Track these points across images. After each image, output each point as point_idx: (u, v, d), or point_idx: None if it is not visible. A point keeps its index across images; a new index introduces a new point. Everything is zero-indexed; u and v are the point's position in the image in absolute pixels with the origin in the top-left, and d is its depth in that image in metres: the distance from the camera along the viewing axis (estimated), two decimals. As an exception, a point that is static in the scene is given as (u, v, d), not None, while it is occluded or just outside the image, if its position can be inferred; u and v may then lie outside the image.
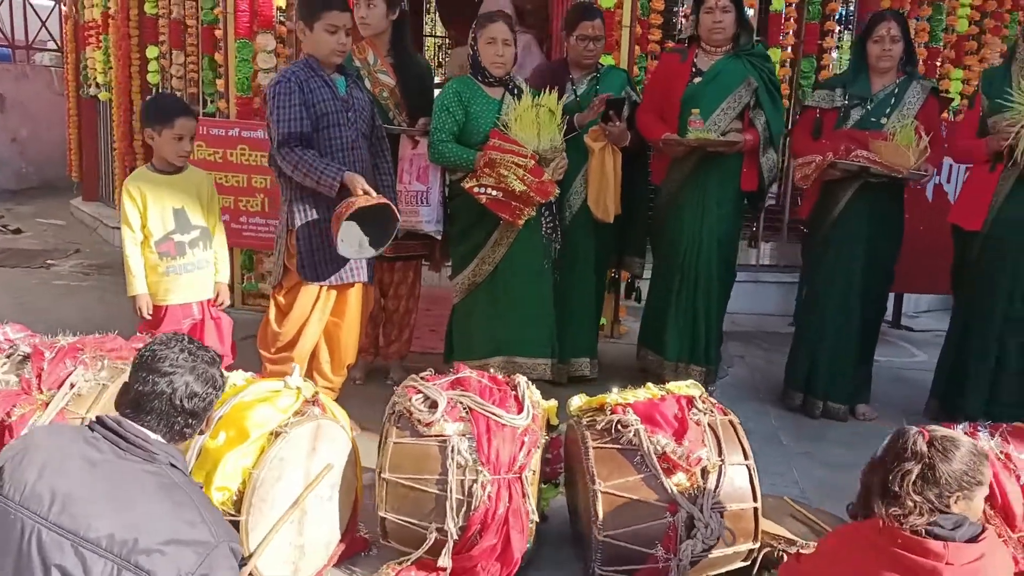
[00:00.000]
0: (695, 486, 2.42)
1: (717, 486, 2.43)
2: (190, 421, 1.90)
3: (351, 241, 3.20)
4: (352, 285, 3.47)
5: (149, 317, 3.32)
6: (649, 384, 2.69)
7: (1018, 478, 2.41)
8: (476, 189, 3.70)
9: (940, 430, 2.03)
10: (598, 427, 2.55)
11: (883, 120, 3.91)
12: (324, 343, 3.57)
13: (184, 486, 1.83)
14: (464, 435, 2.51)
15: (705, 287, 4.11)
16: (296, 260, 3.35)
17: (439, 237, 3.95)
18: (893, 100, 3.92)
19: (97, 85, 7.45)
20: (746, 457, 2.50)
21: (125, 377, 1.95)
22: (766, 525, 2.53)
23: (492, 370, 3.80)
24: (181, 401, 1.87)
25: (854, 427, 4.06)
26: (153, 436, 1.86)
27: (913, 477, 1.92)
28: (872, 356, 4.20)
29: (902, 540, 1.92)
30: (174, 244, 3.32)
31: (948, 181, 5.40)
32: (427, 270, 4.43)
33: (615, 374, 4.41)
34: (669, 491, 2.41)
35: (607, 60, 4.59)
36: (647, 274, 4.46)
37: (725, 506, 2.43)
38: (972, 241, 3.82)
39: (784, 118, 4.18)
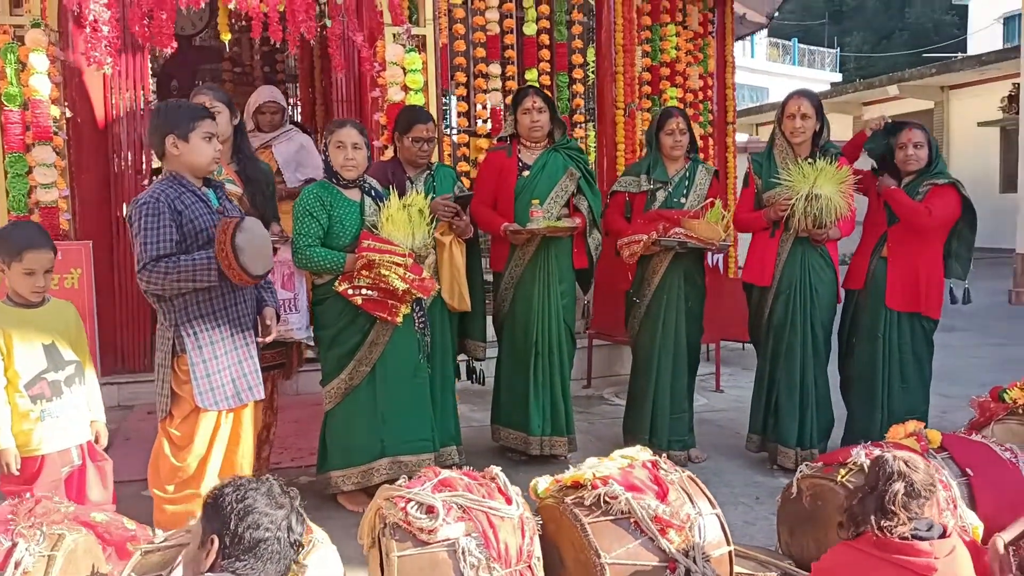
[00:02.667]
0: (686, 541, 2.65)
1: (701, 538, 2.69)
2: (296, 558, 1.81)
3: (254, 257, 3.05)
4: (246, 405, 3.28)
5: (17, 473, 2.88)
6: (613, 455, 2.90)
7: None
8: (350, 291, 3.70)
9: (900, 452, 2.48)
10: (586, 503, 2.69)
11: (682, 200, 4.53)
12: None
13: None
14: (470, 534, 2.53)
15: (558, 360, 4.43)
16: (191, 386, 3.10)
17: (312, 343, 3.85)
18: (687, 182, 4.57)
19: None
20: (713, 506, 2.80)
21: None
22: (733, 565, 2.83)
23: (378, 474, 3.84)
24: (295, 538, 1.79)
25: (695, 470, 4.50)
26: None
27: (901, 494, 2.34)
28: (693, 402, 4.75)
29: (897, 547, 2.32)
30: (47, 384, 2.92)
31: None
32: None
33: (477, 457, 4.53)
34: (667, 550, 2.61)
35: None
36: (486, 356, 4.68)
37: (709, 554, 2.69)
38: (764, 295, 4.52)
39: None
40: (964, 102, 16.94)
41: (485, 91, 6.24)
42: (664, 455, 4.43)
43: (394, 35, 4.87)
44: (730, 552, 2.76)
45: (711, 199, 4.48)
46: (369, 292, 3.69)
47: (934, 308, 4.41)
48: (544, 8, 6.40)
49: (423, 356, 3.96)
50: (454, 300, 4.25)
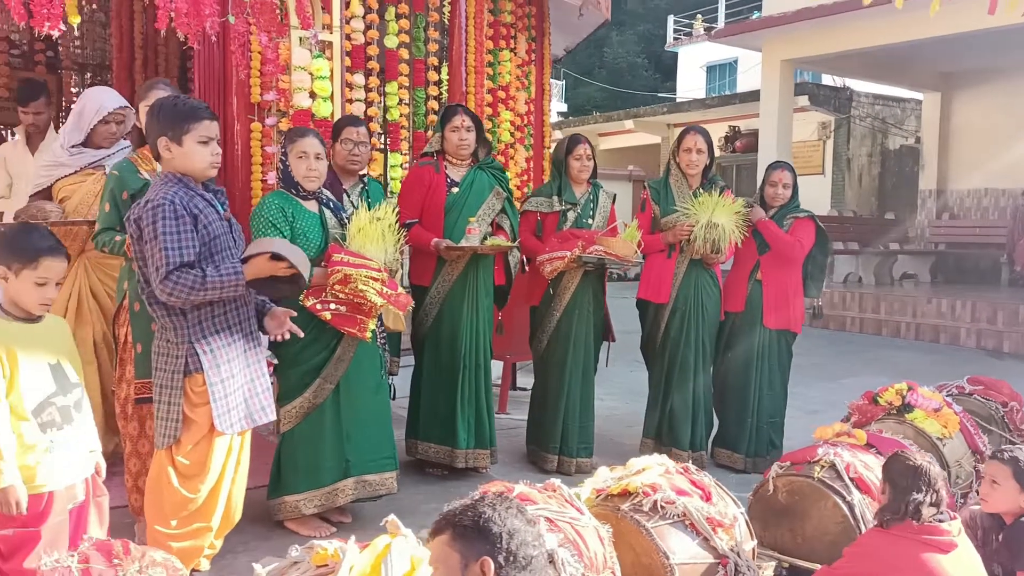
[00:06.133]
0: (732, 539, 2.91)
1: (740, 535, 2.96)
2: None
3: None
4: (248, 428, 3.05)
5: (24, 512, 2.46)
6: (631, 463, 3.09)
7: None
8: (318, 306, 3.54)
9: (921, 453, 2.93)
10: (645, 509, 2.85)
11: (589, 220, 4.82)
12: (206, 502, 3.02)
13: None
14: (563, 545, 2.58)
15: (485, 374, 4.51)
16: (208, 409, 2.83)
17: (275, 361, 3.61)
18: (592, 204, 4.87)
19: None
20: (738, 506, 3.08)
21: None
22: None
23: (343, 494, 3.70)
24: (551, 552, 1.81)
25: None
26: None
27: (943, 489, 2.77)
28: (594, 411, 5.03)
29: (931, 531, 2.74)
30: (57, 410, 2.52)
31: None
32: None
33: (405, 473, 4.46)
34: (720, 549, 2.85)
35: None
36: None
37: (745, 549, 2.97)
38: (660, 312, 4.93)
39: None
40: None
41: (350, 101, 6.11)
42: (575, 463, 4.77)
43: (300, 39, 4.68)
44: (754, 547, 3.06)
45: (619, 221, 4.81)
46: (338, 307, 3.55)
47: (799, 324, 5.08)
48: (404, 23, 6.40)
49: (384, 371, 3.87)
50: (389, 320, 4.18)
